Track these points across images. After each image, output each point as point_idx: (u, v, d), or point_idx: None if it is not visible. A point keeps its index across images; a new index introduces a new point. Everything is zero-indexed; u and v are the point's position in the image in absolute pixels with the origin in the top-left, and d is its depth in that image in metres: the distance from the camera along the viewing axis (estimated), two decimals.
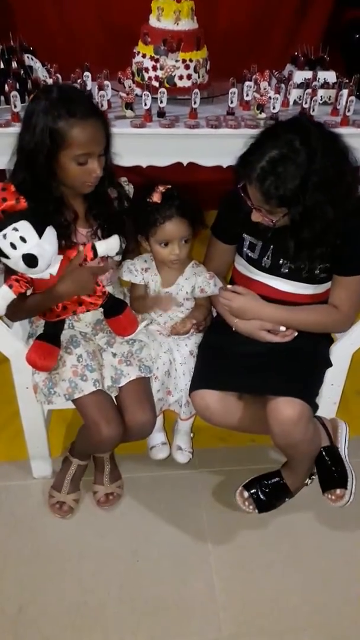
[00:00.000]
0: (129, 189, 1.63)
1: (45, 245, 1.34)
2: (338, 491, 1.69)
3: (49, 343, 1.50)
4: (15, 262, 1.34)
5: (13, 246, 1.31)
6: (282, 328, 1.58)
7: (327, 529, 1.76)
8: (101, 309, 1.54)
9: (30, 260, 1.32)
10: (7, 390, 1.73)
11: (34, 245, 1.32)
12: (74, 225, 1.50)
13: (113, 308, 1.54)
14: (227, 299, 1.60)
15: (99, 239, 1.51)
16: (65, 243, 1.45)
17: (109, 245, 1.45)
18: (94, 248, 1.43)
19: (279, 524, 1.76)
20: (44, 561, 1.65)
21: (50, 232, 1.36)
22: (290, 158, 1.31)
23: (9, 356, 1.63)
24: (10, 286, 1.37)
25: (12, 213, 1.30)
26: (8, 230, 1.30)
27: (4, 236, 1.30)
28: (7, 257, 1.33)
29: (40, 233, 1.33)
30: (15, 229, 1.30)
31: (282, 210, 1.38)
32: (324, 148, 1.33)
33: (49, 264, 1.38)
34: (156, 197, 1.52)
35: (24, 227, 1.30)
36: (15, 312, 1.46)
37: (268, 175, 1.32)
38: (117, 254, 1.50)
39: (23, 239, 1.31)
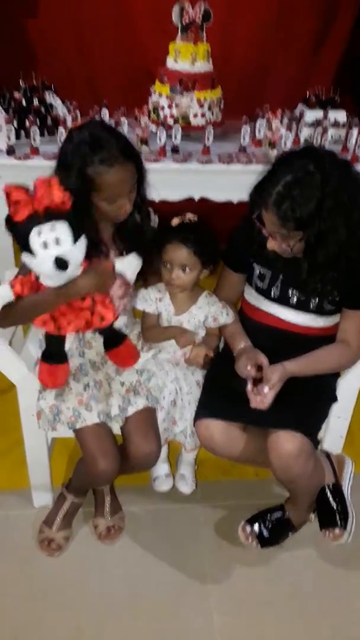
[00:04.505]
0: (154, 218, 1.67)
1: (76, 252, 1.30)
2: (337, 530, 1.66)
3: (54, 362, 1.50)
4: (42, 261, 1.27)
5: (45, 245, 1.25)
6: (266, 389, 1.49)
7: (329, 567, 1.72)
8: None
9: (62, 264, 1.26)
10: (10, 419, 1.74)
11: (68, 250, 1.27)
12: (105, 248, 1.52)
13: (112, 339, 1.54)
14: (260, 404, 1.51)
15: None
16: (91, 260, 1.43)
17: (127, 262, 1.45)
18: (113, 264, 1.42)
19: (281, 560, 1.72)
20: (41, 592, 1.62)
21: (83, 241, 1.32)
22: (305, 181, 1.33)
23: (15, 382, 1.63)
24: (12, 286, 1.32)
25: (54, 212, 1.24)
26: (45, 227, 1.24)
27: (39, 233, 1.24)
28: (32, 253, 1.26)
29: (76, 239, 1.28)
30: (53, 229, 1.24)
31: (298, 234, 1.39)
32: (338, 172, 1.36)
33: (74, 272, 1.33)
34: (175, 221, 1.57)
35: (62, 229, 1.25)
36: (7, 314, 1.39)
37: (284, 198, 1.33)
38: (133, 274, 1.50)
39: (57, 241, 1.26)
